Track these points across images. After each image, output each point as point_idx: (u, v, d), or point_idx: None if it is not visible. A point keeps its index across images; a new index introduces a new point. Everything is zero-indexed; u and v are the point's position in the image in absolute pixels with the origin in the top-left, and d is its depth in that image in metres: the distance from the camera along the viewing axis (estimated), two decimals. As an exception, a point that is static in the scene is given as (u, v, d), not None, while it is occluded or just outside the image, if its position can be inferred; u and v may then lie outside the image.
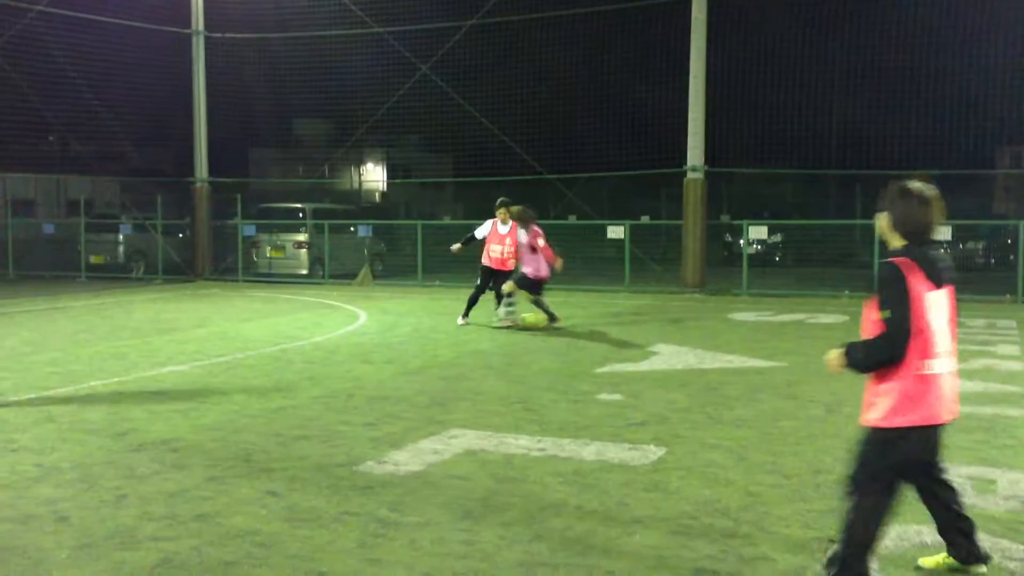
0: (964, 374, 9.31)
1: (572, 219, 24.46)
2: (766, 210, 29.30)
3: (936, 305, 3.82)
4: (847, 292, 18.48)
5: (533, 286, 13.08)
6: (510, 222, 13.35)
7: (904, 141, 23.97)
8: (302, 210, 23.62)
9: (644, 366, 10.02)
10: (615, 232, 20.49)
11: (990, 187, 37.83)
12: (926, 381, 3.80)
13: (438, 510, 5.12)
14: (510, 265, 13.38)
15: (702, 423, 7.26)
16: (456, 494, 5.40)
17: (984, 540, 4.60)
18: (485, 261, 13.58)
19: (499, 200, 13.57)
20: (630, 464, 6.05)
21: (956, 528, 4.17)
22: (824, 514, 5.01)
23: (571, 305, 16.43)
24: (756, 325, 13.84)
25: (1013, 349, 11.20)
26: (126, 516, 4.99)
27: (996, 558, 4.38)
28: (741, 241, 20.45)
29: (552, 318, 13.07)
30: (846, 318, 14.60)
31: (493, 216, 13.56)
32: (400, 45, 24.36)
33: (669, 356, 10.70)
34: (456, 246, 14.02)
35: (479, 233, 13.73)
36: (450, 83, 24.27)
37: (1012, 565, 4.32)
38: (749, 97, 25.97)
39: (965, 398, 8.06)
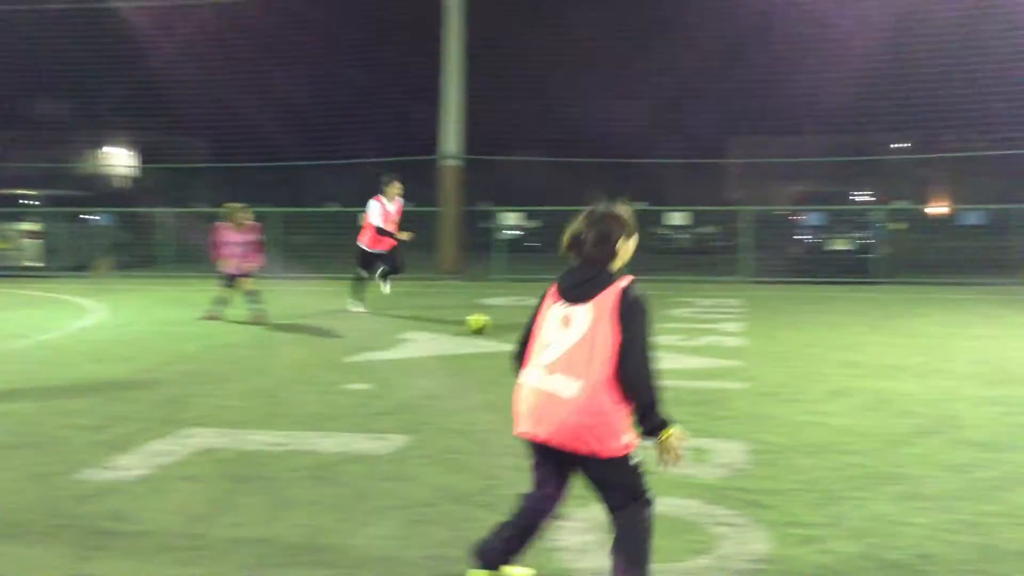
0: (691, 351, 10.02)
1: (334, 207, 24.10)
2: (525, 197, 30.16)
3: (553, 318, 3.64)
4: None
5: (230, 280, 12.70)
6: (396, 199, 13.23)
7: (646, 129, 25.43)
8: (32, 197, 21.75)
9: (396, 354, 10.00)
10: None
11: (722, 175, 40.80)
12: (519, 391, 3.71)
13: (165, 515, 4.85)
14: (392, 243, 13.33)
15: (449, 409, 7.33)
16: (185, 497, 5.14)
17: (697, 507, 4.95)
18: (370, 244, 13.26)
19: (390, 176, 13.32)
20: (372, 454, 6.00)
21: (506, 554, 3.83)
22: (555, 493, 5.19)
23: (327, 294, 16.18)
24: (510, 310, 14.18)
25: (737, 326, 12.14)
26: None
27: (707, 523, 4.70)
28: (497, 227, 20.90)
29: (214, 314, 12.66)
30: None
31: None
32: (146, 22, 22.98)
33: (422, 343, 10.75)
34: (405, 234, 13.40)
35: (379, 220, 13.06)
36: (202, 65, 23.17)
37: (721, 530, 4.64)
38: (511, 85, 26.59)
39: (690, 374, 8.66)
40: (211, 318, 12.58)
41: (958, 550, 4.37)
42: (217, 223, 12.77)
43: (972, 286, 18.07)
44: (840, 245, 19.74)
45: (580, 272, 3.69)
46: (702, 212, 24.71)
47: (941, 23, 20.38)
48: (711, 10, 24.40)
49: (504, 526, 3.84)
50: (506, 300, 15.52)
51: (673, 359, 9.51)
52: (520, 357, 3.79)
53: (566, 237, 3.74)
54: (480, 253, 21.48)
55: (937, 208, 35.80)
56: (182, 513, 4.88)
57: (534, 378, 3.63)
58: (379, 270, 13.53)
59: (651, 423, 3.47)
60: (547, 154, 24.89)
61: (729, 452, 6.00)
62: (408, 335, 11.32)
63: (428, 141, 20.38)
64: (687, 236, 25.82)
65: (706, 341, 10.79)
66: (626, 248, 3.72)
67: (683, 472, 5.55)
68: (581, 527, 4.62)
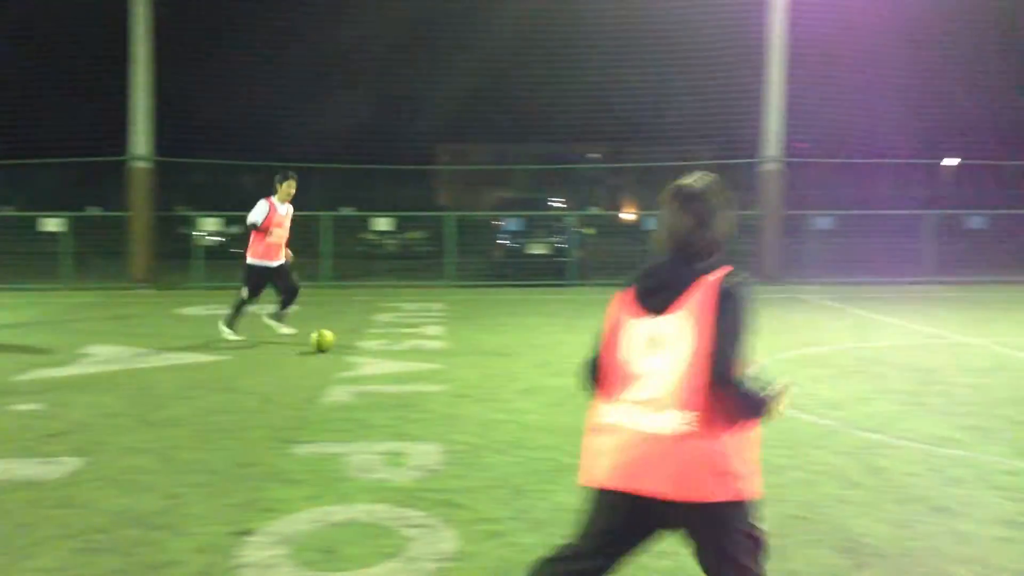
0: (394, 355, 10.07)
1: (8, 211, 21.92)
2: (229, 202, 28.97)
3: (637, 338, 2.95)
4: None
5: None
6: (288, 202, 10.92)
7: (360, 136, 25.35)
8: None
9: (73, 370, 9.20)
10: (53, 225, 18.70)
11: (430, 181, 41.62)
12: (597, 430, 3.04)
13: None
14: (286, 255, 11.03)
15: (130, 427, 6.85)
16: None
17: (388, 511, 4.95)
18: (259, 256, 10.83)
19: (287, 173, 10.86)
20: (39, 480, 5.47)
21: None
22: (242, 506, 5.00)
23: (-3, 306, 14.64)
24: (205, 319, 13.49)
25: (439, 330, 12.36)
26: None
27: (398, 526, 4.71)
28: (194, 233, 19.87)
29: None
30: (297, 308, 14.93)
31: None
32: None
33: (104, 357, 9.97)
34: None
35: (258, 218, 10.70)
36: None
37: (412, 532, 4.66)
38: (210, 85, 25.40)
39: (392, 378, 8.69)
40: None
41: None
42: None
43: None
44: (538, 249, 20.68)
45: (667, 270, 2.97)
46: (407, 217, 24.94)
47: (638, 47, 22.05)
48: (420, 18, 24.81)
49: None
50: (202, 310, 14.77)
51: (376, 364, 9.54)
52: (594, 373, 3.09)
53: (665, 235, 3.01)
54: (177, 260, 20.32)
55: (626, 214, 38.64)
56: None
57: (623, 416, 2.92)
58: (271, 311, 11.29)
59: (756, 414, 2.80)
60: (249, 158, 24.03)
61: (424, 454, 6.06)
62: (89, 349, 10.46)
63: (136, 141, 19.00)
64: (393, 241, 25.95)
65: (409, 345, 10.88)
66: (725, 229, 3.03)
67: (376, 477, 5.56)
68: (265, 541, 4.47)
